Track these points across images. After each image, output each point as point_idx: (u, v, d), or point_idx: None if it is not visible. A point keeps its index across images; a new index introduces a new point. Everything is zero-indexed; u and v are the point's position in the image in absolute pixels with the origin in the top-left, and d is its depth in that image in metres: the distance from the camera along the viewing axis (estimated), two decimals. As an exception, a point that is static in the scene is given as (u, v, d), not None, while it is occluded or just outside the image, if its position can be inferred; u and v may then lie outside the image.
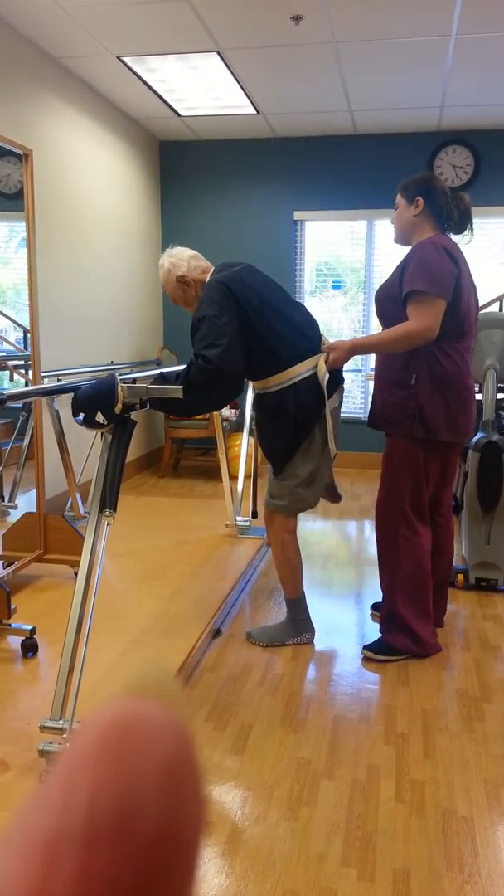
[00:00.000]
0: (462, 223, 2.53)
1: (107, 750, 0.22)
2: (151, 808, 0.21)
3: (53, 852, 0.20)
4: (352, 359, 2.63)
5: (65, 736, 1.92)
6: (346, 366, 2.68)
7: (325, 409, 2.53)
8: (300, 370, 2.49)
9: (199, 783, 0.23)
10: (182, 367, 2.48)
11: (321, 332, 2.65)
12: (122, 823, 0.20)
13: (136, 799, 0.21)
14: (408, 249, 2.53)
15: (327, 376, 2.51)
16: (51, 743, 1.92)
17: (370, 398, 2.70)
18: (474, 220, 2.57)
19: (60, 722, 1.92)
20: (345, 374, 2.71)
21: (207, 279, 2.57)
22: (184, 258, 2.61)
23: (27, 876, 0.19)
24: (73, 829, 0.20)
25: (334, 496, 3.12)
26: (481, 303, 3.54)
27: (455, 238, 2.56)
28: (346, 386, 3.07)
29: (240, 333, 2.41)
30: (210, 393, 2.37)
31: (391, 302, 2.51)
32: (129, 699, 0.24)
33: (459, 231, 2.54)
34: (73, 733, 0.23)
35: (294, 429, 2.51)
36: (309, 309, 2.78)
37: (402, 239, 2.60)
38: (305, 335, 2.54)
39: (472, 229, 2.55)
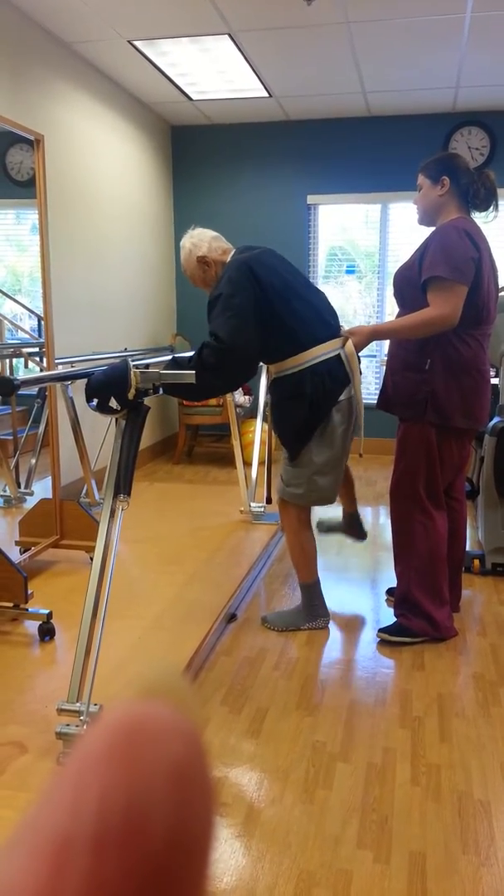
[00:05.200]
0: (488, 200, 2.49)
1: (116, 752, 0.22)
2: (161, 811, 0.21)
3: (63, 855, 0.20)
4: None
5: (81, 718, 1.94)
6: (362, 352, 2.66)
7: (345, 392, 2.51)
8: (318, 353, 2.47)
9: (210, 785, 0.23)
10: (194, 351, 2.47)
11: (339, 321, 2.63)
12: (132, 826, 0.20)
13: (146, 801, 0.21)
14: (429, 231, 2.50)
15: (356, 357, 2.51)
16: (68, 725, 1.94)
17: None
18: (491, 202, 2.54)
19: (77, 705, 1.94)
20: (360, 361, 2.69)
21: (228, 260, 2.56)
22: (205, 239, 2.61)
23: (36, 878, 0.19)
24: (83, 831, 0.20)
25: (359, 532, 3.12)
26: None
27: (479, 216, 2.53)
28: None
29: (255, 314, 2.39)
30: (223, 373, 2.36)
31: (409, 285, 2.49)
32: (139, 700, 0.24)
33: (485, 208, 2.50)
34: (83, 736, 0.23)
35: (309, 411, 2.48)
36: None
37: (426, 220, 2.56)
38: (325, 320, 2.53)
39: (496, 206, 2.51)
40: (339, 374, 2.49)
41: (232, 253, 2.60)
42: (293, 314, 2.44)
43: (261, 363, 2.60)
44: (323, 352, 2.48)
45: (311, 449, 2.54)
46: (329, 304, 2.61)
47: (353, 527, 3.15)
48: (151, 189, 5.60)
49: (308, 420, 2.49)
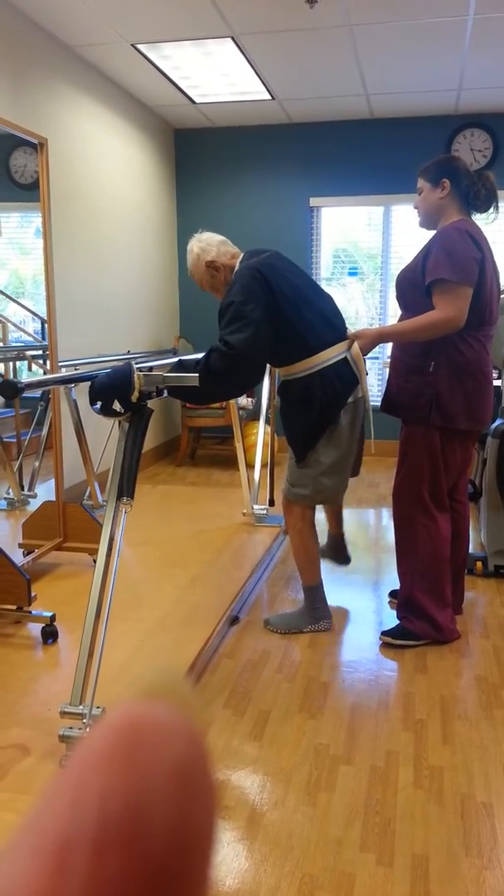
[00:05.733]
0: (488, 202, 2.49)
1: (118, 753, 0.22)
2: (163, 812, 0.21)
3: (63, 856, 0.20)
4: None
5: (84, 721, 1.94)
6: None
7: (353, 395, 2.51)
8: (326, 357, 2.48)
9: (212, 787, 0.23)
10: (201, 355, 2.47)
11: (345, 324, 2.64)
12: (134, 827, 0.20)
13: (148, 802, 0.21)
14: (431, 234, 2.51)
15: (362, 359, 2.52)
16: (71, 728, 1.94)
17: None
18: (493, 204, 2.54)
19: (80, 707, 1.94)
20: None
21: (237, 265, 2.57)
22: (213, 243, 2.61)
23: (37, 879, 0.19)
24: (84, 833, 0.20)
25: (343, 556, 3.13)
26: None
27: (480, 217, 2.53)
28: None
29: (266, 321, 2.39)
30: (229, 379, 2.36)
31: (412, 287, 2.49)
32: (141, 701, 0.24)
33: (485, 210, 2.51)
34: (84, 736, 0.23)
35: (319, 415, 2.49)
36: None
37: (428, 223, 2.56)
38: (332, 324, 2.54)
39: (497, 208, 2.51)
40: (347, 377, 2.50)
41: (240, 257, 2.60)
42: (302, 319, 2.45)
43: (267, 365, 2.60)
44: (331, 355, 2.48)
45: (318, 451, 2.55)
46: (335, 306, 2.62)
47: (337, 550, 3.14)
48: (154, 192, 5.61)
49: (316, 423, 2.50)
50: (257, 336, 2.35)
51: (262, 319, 2.37)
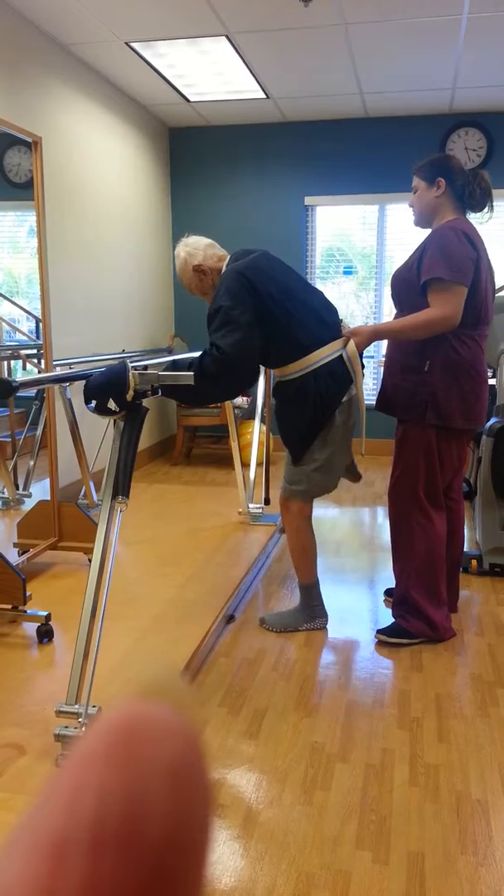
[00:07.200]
0: (483, 201, 2.50)
1: (115, 752, 0.22)
2: (159, 810, 0.21)
3: (61, 854, 0.20)
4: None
5: (80, 720, 1.94)
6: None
7: (346, 394, 2.51)
8: (320, 356, 2.47)
9: (207, 786, 0.23)
10: (195, 353, 2.47)
11: (340, 318, 2.62)
12: (130, 826, 0.20)
13: (144, 801, 0.21)
14: (427, 233, 2.51)
15: (358, 358, 2.51)
16: (66, 727, 1.94)
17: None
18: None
19: (76, 707, 1.94)
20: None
21: (224, 267, 2.55)
22: (200, 247, 2.59)
23: (34, 877, 0.20)
24: (81, 831, 0.20)
25: (354, 475, 3.08)
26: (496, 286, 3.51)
27: (475, 216, 2.53)
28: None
29: (255, 324, 2.38)
30: (222, 383, 2.37)
31: (407, 286, 2.49)
32: (137, 700, 0.24)
33: (480, 209, 2.51)
34: (82, 736, 0.23)
35: (313, 415, 2.49)
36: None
37: (423, 221, 2.57)
38: (324, 321, 2.53)
39: (492, 207, 2.52)
40: (340, 375, 2.49)
41: (227, 260, 2.59)
42: (292, 319, 2.44)
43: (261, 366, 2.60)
44: (325, 354, 2.48)
45: (312, 449, 2.55)
46: (327, 301, 2.61)
47: (348, 471, 3.07)
48: (149, 191, 5.60)
49: (312, 423, 2.50)
50: (247, 339, 2.35)
51: (251, 322, 2.37)
